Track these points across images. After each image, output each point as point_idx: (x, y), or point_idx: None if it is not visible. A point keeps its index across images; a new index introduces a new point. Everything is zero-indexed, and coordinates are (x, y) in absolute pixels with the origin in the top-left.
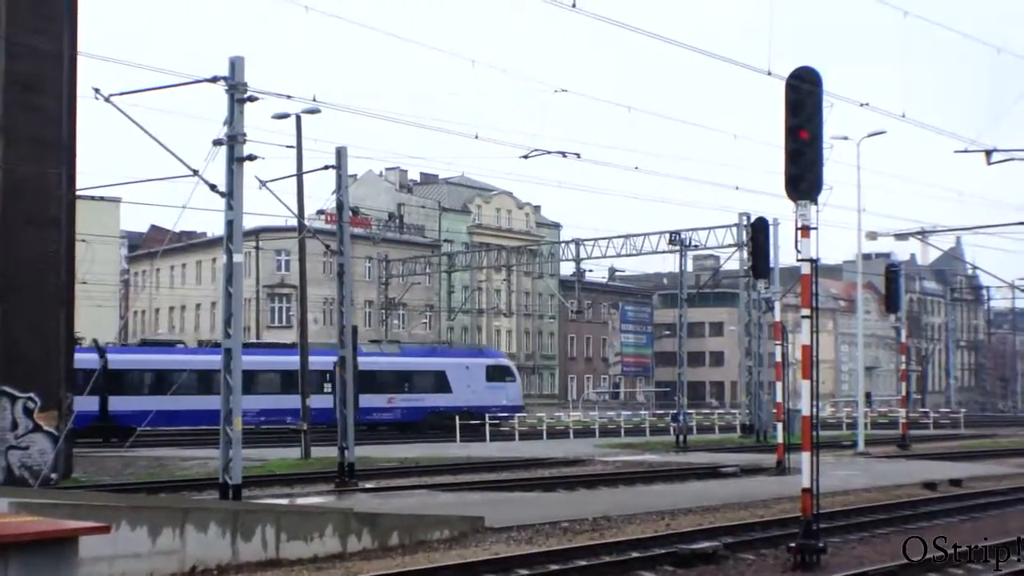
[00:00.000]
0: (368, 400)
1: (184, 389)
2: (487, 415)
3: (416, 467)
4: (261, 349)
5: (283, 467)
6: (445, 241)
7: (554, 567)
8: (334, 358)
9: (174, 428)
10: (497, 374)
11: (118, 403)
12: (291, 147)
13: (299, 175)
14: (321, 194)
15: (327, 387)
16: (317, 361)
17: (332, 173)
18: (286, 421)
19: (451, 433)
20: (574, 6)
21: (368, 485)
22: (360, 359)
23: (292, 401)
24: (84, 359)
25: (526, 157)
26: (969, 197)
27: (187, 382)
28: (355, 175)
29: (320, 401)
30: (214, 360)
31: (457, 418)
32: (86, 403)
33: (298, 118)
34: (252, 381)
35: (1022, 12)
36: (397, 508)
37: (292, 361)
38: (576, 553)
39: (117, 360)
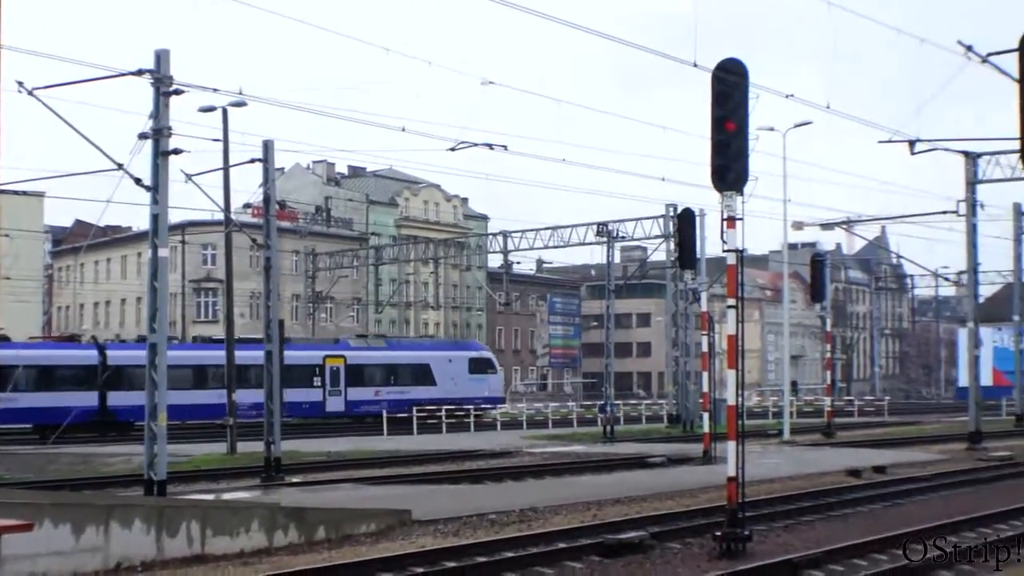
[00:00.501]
0: (356, 393)
1: (179, 384)
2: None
3: (343, 461)
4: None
5: (209, 462)
6: (373, 234)
7: (481, 559)
8: (323, 353)
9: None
10: (479, 367)
11: (117, 398)
12: (217, 140)
13: (225, 169)
14: (248, 187)
15: (316, 380)
16: (307, 356)
17: (259, 166)
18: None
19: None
20: None
21: (295, 479)
22: (349, 353)
23: (296, 395)
24: (84, 355)
25: (453, 150)
26: (893, 187)
27: (182, 377)
28: (282, 168)
29: (308, 395)
30: (213, 356)
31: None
32: (86, 398)
33: (224, 111)
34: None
35: (945, 3)
36: (324, 502)
37: (294, 356)
38: (503, 545)
39: (116, 356)
